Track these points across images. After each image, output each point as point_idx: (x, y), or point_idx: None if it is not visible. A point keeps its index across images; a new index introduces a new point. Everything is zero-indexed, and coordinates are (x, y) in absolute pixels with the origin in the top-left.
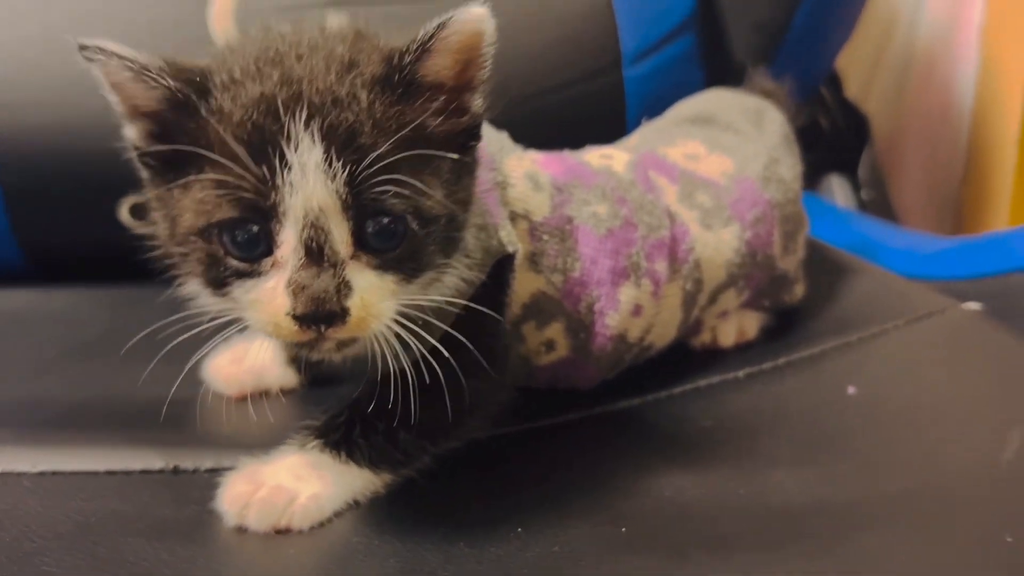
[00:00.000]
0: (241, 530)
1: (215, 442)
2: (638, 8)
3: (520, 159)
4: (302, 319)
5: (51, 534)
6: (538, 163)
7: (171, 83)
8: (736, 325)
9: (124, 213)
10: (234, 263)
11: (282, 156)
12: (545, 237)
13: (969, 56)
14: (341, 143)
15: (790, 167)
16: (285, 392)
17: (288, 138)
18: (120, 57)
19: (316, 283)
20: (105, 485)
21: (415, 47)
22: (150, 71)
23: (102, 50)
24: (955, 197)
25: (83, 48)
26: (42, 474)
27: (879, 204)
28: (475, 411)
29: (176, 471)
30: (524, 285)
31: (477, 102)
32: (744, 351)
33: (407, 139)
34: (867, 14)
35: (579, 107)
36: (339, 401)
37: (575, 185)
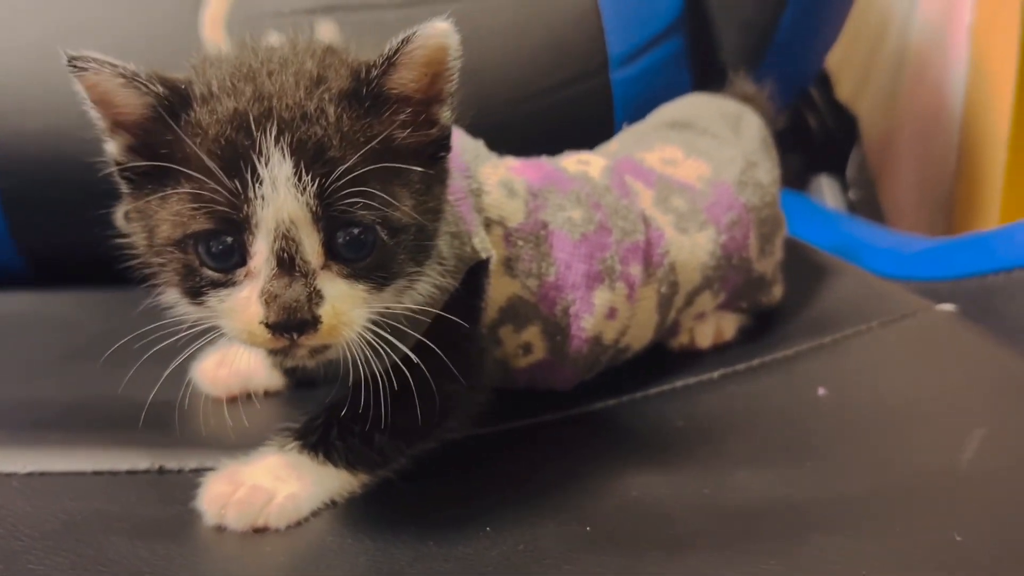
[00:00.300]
0: (220, 529)
1: (200, 443)
2: (625, 11)
3: (495, 166)
4: (275, 327)
5: (37, 533)
6: (513, 170)
7: (160, 90)
8: (713, 327)
9: (120, 218)
10: (209, 273)
11: (254, 170)
12: (520, 243)
13: (960, 57)
14: (310, 157)
15: (767, 171)
16: (270, 395)
17: (260, 153)
18: (112, 65)
19: (288, 292)
20: (92, 485)
21: (381, 61)
22: (140, 77)
23: (94, 59)
24: (947, 197)
25: (73, 59)
26: (31, 475)
27: (867, 204)
28: (450, 413)
29: (161, 471)
30: (500, 290)
31: (445, 114)
32: (721, 352)
33: (375, 152)
34: (860, 16)
35: (567, 110)
36: (318, 404)
37: (550, 191)
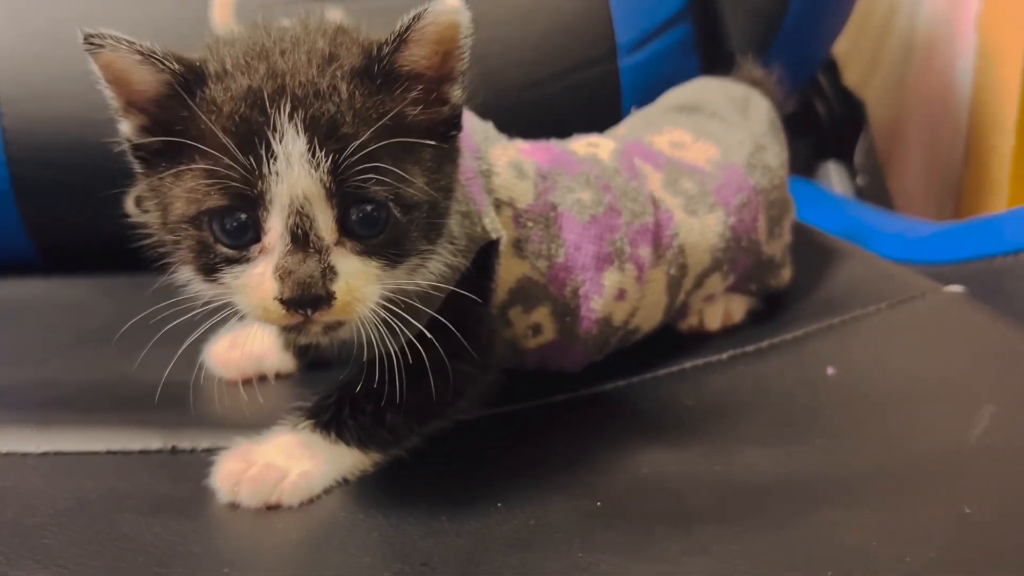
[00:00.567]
0: (233, 506)
1: (213, 423)
2: None
3: (505, 148)
4: (289, 303)
5: (51, 510)
6: (523, 152)
7: (176, 67)
8: (722, 309)
9: (130, 204)
10: (223, 250)
11: (268, 147)
12: (529, 224)
13: (968, 42)
14: (324, 133)
15: (776, 154)
16: (282, 377)
17: (274, 129)
18: (128, 42)
19: (302, 268)
20: (105, 464)
21: (392, 38)
22: (157, 54)
23: (111, 37)
24: (955, 183)
25: (89, 37)
26: (45, 454)
27: (875, 190)
28: (462, 393)
29: (174, 451)
30: (509, 271)
31: (456, 92)
32: (730, 334)
33: (387, 128)
34: (868, 1)
35: (574, 97)
36: (330, 384)
37: (559, 173)
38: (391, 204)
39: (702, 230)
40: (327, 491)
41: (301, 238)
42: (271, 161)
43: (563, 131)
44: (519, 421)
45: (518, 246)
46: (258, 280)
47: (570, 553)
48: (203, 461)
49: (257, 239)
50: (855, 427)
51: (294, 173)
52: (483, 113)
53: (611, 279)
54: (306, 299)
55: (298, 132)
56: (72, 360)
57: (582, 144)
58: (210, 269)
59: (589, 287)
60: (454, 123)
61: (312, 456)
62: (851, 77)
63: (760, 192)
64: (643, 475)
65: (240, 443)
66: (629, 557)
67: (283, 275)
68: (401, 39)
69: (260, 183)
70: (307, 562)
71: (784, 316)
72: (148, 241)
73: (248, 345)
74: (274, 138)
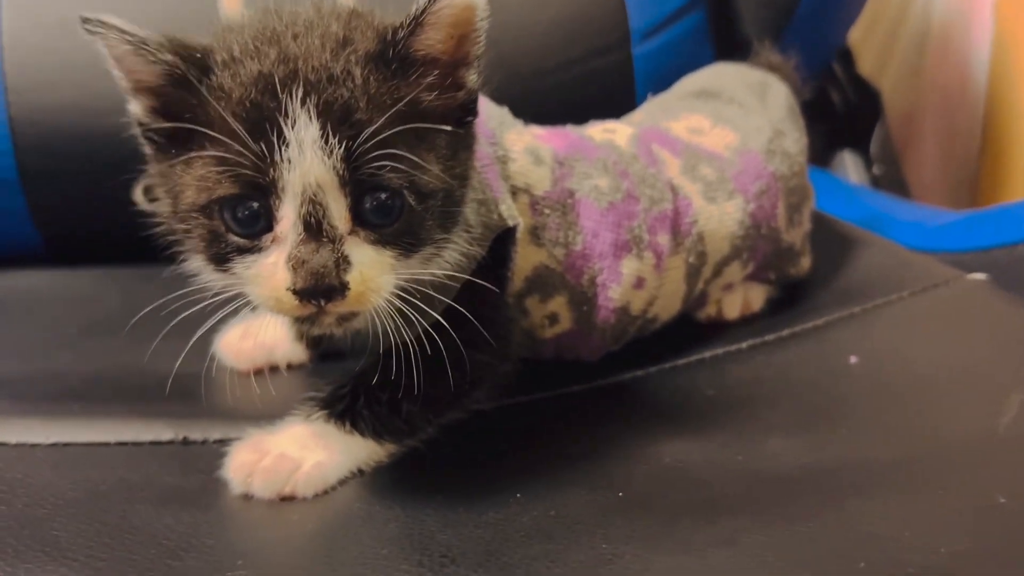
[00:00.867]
0: (247, 497)
1: (224, 414)
2: None
3: (521, 134)
4: (302, 293)
5: (61, 501)
6: (539, 138)
7: (169, 58)
8: (741, 297)
9: (138, 194)
10: (235, 239)
11: (280, 133)
12: (546, 211)
13: (984, 30)
14: (337, 119)
15: (795, 140)
16: (294, 368)
17: (286, 115)
18: (120, 31)
19: (315, 258)
20: (116, 455)
21: (408, 22)
22: (148, 46)
23: (102, 23)
24: (972, 171)
25: (85, 21)
26: (55, 445)
27: (892, 180)
28: (478, 383)
29: (185, 442)
30: (526, 259)
31: (472, 77)
32: (749, 323)
33: (402, 114)
34: None
35: (588, 84)
36: (344, 374)
37: (577, 159)
38: (406, 192)
39: (721, 217)
40: (342, 482)
41: (314, 227)
42: (283, 148)
43: (576, 120)
44: (536, 411)
45: (535, 233)
46: (270, 270)
47: (592, 544)
48: (215, 452)
49: (269, 228)
50: (880, 416)
51: (307, 160)
52: (495, 101)
53: (629, 267)
54: (319, 290)
55: (311, 118)
56: (81, 351)
57: (599, 130)
58: (221, 259)
59: (607, 275)
60: (470, 108)
61: (326, 447)
62: (866, 66)
63: (779, 179)
64: (665, 465)
65: (252, 434)
66: (653, 548)
67: (296, 265)
68: (417, 22)
69: (272, 170)
70: (322, 554)
71: (804, 305)
72: (158, 230)
73: (260, 335)
74: (286, 124)
